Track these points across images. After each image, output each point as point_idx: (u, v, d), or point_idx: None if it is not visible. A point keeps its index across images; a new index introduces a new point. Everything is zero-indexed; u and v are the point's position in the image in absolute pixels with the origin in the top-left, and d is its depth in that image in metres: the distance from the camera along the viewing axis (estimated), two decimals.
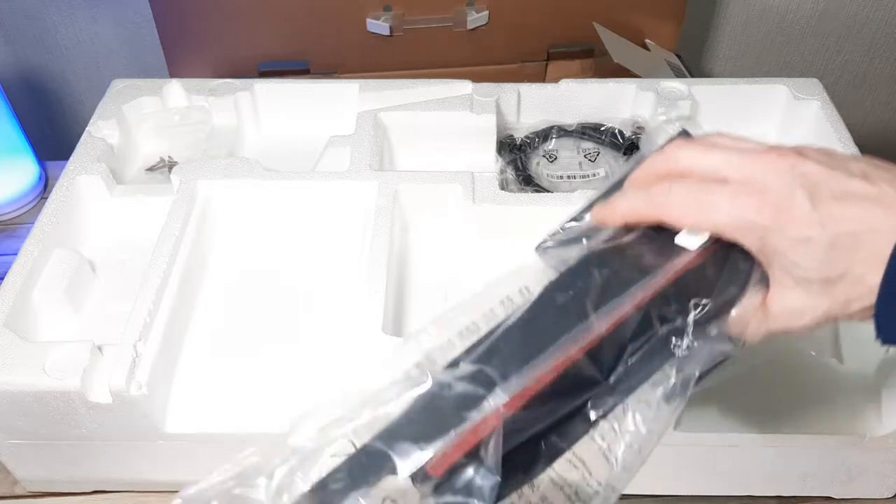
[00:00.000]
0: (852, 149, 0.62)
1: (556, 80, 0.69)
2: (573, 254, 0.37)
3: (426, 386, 0.32)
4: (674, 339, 0.34)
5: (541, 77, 0.98)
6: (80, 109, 1.22)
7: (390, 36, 0.91)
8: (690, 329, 0.34)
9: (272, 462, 0.32)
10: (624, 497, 0.54)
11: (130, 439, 0.49)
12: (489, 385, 0.32)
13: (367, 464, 0.31)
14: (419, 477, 0.30)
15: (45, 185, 0.77)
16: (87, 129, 0.63)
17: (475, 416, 0.31)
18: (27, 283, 0.52)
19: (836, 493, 0.54)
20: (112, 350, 0.47)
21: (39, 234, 0.55)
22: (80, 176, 0.59)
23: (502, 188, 0.59)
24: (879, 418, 0.50)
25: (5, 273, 0.52)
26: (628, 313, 0.34)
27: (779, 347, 0.47)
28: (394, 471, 0.30)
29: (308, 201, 0.59)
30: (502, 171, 0.65)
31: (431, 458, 0.30)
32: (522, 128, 0.69)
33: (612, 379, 0.34)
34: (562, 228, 0.38)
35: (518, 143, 0.68)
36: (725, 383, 0.53)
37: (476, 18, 0.91)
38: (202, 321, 0.54)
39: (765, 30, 1.25)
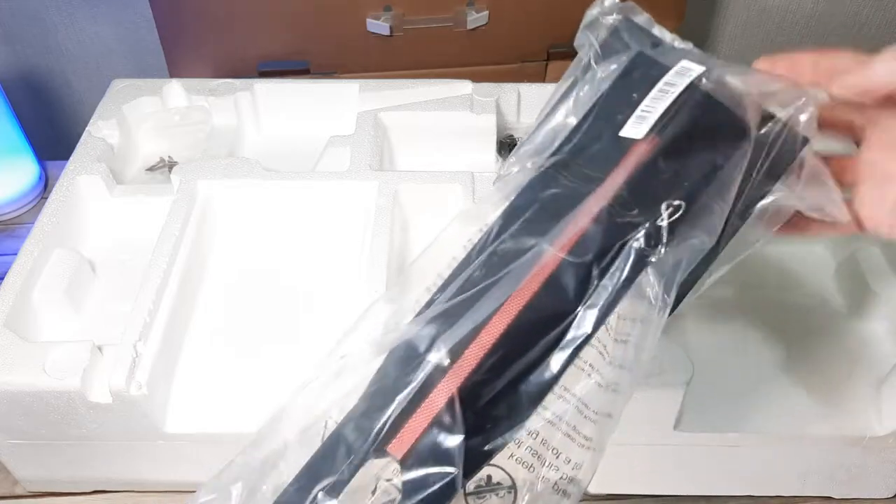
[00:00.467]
0: (852, 148, 0.61)
1: (556, 80, 0.69)
2: (522, 179, 0.34)
3: (371, 359, 0.31)
4: (644, 245, 0.31)
5: (541, 77, 0.98)
6: (80, 109, 1.22)
7: (390, 36, 0.91)
8: (665, 233, 0.31)
9: (243, 471, 0.31)
10: (624, 497, 0.54)
11: (130, 439, 0.49)
12: (431, 342, 0.30)
13: (325, 455, 0.30)
14: (381, 455, 0.29)
15: (45, 185, 0.77)
16: (87, 129, 0.63)
17: (419, 376, 0.29)
18: (27, 283, 0.52)
19: (836, 493, 0.54)
20: (112, 350, 0.47)
21: (39, 234, 0.55)
22: (80, 176, 0.59)
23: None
24: (879, 418, 0.50)
25: (5, 273, 0.52)
26: (584, 229, 0.31)
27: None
28: (349, 454, 0.29)
29: (308, 201, 0.59)
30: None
31: (389, 434, 0.29)
32: (522, 128, 0.69)
33: (586, 302, 0.31)
34: (515, 157, 0.36)
35: (518, 143, 0.68)
36: (725, 383, 0.53)
37: (476, 18, 0.91)
38: (202, 321, 0.54)
39: (765, 30, 1.25)
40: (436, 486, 0.29)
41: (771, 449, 0.51)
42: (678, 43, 0.35)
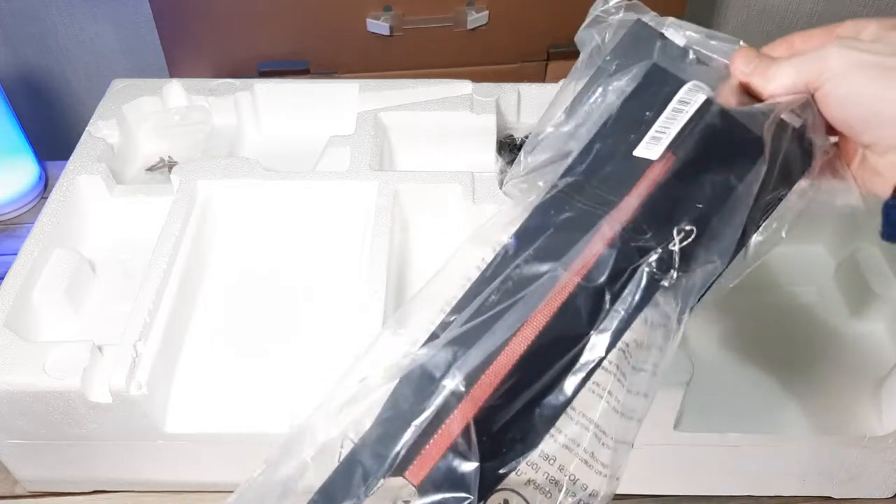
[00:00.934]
0: None
1: (556, 80, 0.69)
2: (533, 200, 0.34)
3: (385, 383, 0.30)
4: (656, 269, 0.31)
5: (541, 77, 0.98)
6: (80, 109, 1.22)
7: (390, 36, 0.91)
8: (676, 258, 0.31)
9: (260, 492, 0.31)
10: (624, 497, 0.54)
11: (130, 439, 0.49)
12: (447, 368, 0.30)
13: (341, 479, 0.30)
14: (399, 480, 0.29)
15: (45, 185, 0.77)
16: (87, 129, 0.63)
17: (435, 403, 0.29)
18: (27, 283, 0.52)
19: (835, 493, 0.54)
20: (112, 350, 0.47)
21: (39, 234, 0.55)
22: (80, 176, 0.59)
23: (502, 188, 0.59)
24: (879, 418, 0.50)
25: (5, 273, 0.52)
26: (599, 253, 0.31)
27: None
28: (365, 479, 0.29)
29: (308, 201, 0.59)
30: (502, 171, 0.65)
31: (406, 460, 0.29)
32: (522, 128, 0.69)
33: (598, 327, 0.31)
34: (528, 158, 0.35)
35: (518, 143, 0.68)
36: (725, 383, 0.53)
37: (476, 18, 0.91)
38: (202, 321, 0.54)
39: (765, 30, 1.25)
40: None
41: (771, 449, 0.51)
42: (703, 36, 0.35)
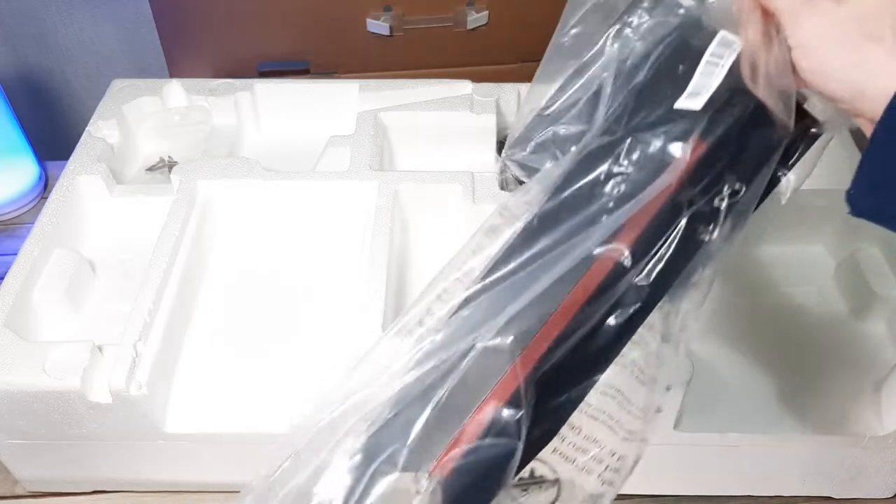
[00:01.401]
0: (851, 147, 0.62)
1: None
2: (554, 169, 0.33)
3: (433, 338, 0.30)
4: (700, 227, 0.31)
5: None
6: (80, 109, 1.22)
7: (390, 36, 0.91)
8: (721, 216, 0.31)
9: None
10: (624, 497, 0.54)
11: (130, 439, 0.49)
12: (500, 326, 0.30)
13: (387, 428, 0.30)
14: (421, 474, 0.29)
15: (45, 185, 0.77)
16: (87, 129, 0.63)
17: (488, 361, 0.29)
18: (27, 283, 0.52)
19: (836, 493, 0.54)
20: (112, 350, 0.47)
21: (39, 234, 0.55)
22: (80, 176, 0.59)
23: (502, 188, 0.59)
24: (879, 418, 0.50)
25: (5, 273, 0.52)
26: (654, 208, 0.30)
27: None
28: (408, 428, 0.29)
29: (308, 201, 0.59)
30: (502, 171, 0.65)
31: (454, 415, 0.29)
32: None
33: (644, 281, 0.30)
34: (524, 130, 0.35)
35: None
36: (725, 383, 0.53)
37: (476, 18, 0.91)
38: (202, 321, 0.54)
39: None
40: (496, 452, 0.29)
41: (771, 449, 0.51)
42: None
